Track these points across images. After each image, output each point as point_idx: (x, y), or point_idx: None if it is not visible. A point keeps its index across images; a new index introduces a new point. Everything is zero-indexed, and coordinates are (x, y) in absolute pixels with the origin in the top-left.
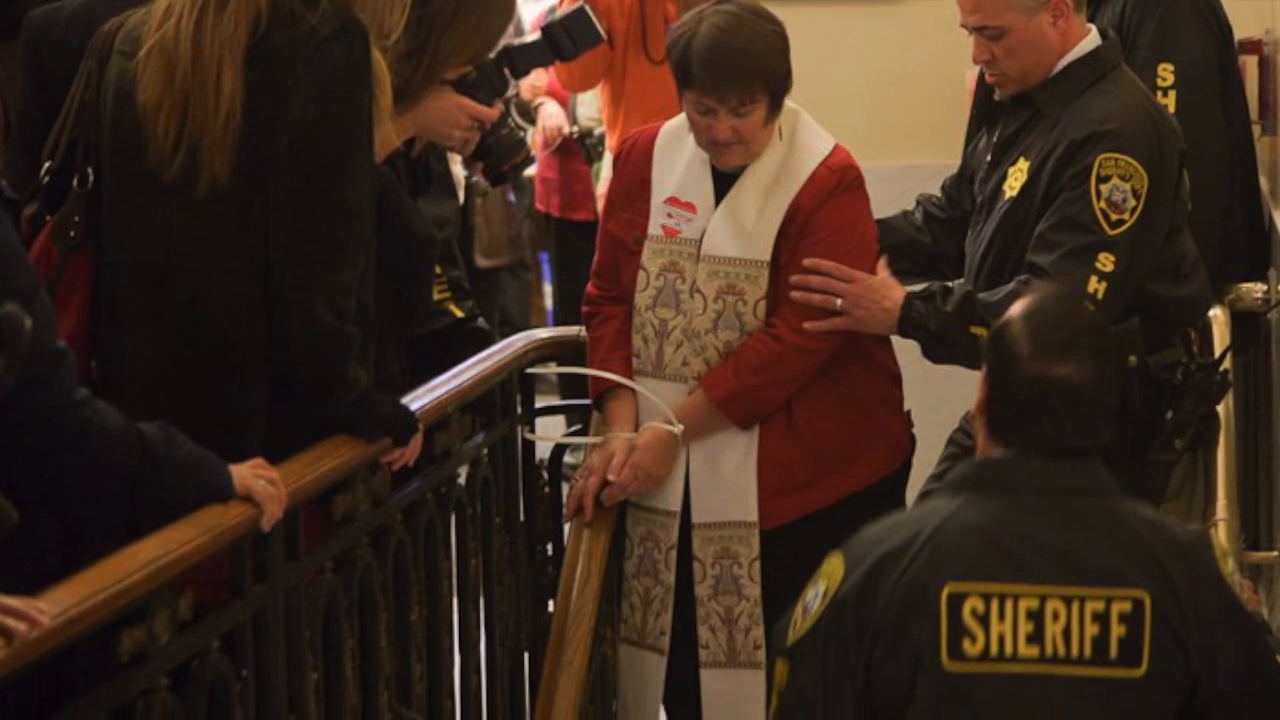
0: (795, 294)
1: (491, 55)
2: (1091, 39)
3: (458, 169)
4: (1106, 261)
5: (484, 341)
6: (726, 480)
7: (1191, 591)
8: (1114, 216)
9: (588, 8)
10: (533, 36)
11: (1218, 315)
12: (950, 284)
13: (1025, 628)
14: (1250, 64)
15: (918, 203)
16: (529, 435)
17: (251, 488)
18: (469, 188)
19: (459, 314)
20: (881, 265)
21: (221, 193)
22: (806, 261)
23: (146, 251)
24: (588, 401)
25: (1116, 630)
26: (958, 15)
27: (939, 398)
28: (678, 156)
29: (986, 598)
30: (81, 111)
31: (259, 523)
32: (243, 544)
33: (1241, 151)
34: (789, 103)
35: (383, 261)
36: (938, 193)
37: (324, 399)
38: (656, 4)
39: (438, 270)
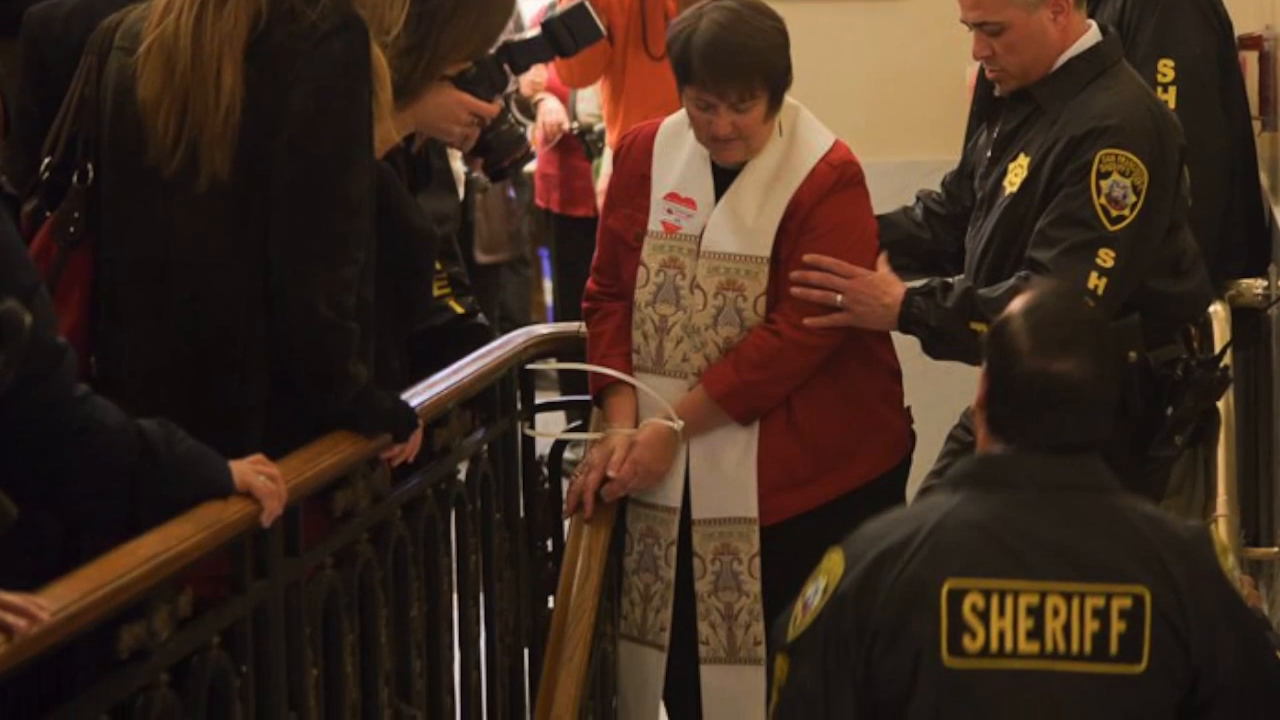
0: (795, 290)
1: (491, 51)
2: (1091, 35)
3: (458, 165)
4: (1107, 257)
5: (484, 337)
6: (726, 476)
7: (1192, 587)
8: (1114, 212)
9: (588, 4)
10: (533, 32)
11: (1218, 311)
12: (950, 280)
13: (1025, 624)
14: (1250, 59)
15: (918, 198)
16: (529, 431)
17: (251, 484)
18: (469, 183)
19: (459, 310)
20: (881, 261)
21: (221, 188)
22: (806, 257)
23: (146, 247)
24: (588, 397)
25: (1117, 626)
26: (958, 11)
27: (939, 394)
28: (678, 152)
29: (987, 594)
30: (81, 107)
31: (259, 519)
32: (243, 540)
33: (1242, 147)
34: (789, 98)
35: (383, 257)
36: (938, 188)
37: (324, 395)
38: (656, 0)
39: (438, 266)
